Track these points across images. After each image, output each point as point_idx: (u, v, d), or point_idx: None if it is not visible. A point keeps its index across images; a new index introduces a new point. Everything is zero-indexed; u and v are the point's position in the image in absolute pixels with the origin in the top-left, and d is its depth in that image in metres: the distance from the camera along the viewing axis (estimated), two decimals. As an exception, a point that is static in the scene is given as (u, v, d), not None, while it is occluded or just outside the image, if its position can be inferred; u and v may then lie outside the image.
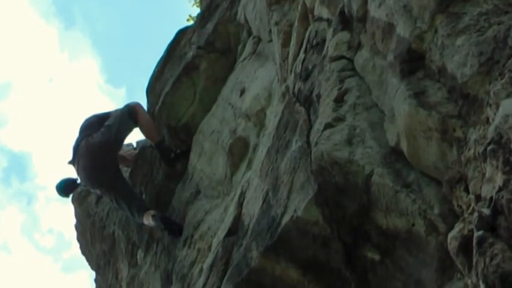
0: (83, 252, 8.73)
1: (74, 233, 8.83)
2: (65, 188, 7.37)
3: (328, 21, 4.00)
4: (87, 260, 8.61)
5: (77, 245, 8.80)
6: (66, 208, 39.68)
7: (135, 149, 7.87)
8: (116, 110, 7.04)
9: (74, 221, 8.76)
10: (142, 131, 6.93)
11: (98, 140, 6.69)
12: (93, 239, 8.18)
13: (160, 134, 6.90)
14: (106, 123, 6.83)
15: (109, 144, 6.75)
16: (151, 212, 6.39)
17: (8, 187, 40.30)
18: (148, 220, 6.39)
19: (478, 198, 2.16)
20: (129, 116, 6.83)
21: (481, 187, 2.15)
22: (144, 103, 7.34)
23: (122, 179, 6.90)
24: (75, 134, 6.96)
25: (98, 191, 7.12)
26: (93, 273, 8.58)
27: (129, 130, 6.94)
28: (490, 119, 2.17)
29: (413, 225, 2.66)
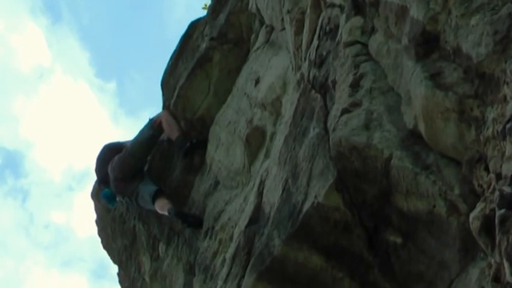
0: (105, 247, 8.78)
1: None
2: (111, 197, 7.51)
3: (341, 7, 3.99)
4: (109, 254, 8.65)
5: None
6: (63, 203, 39.81)
7: None
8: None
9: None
10: (166, 134, 7.18)
11: (125, 155, 7.22)
12: (114, 234, 8.23)
13: (179, 129, 6.96)
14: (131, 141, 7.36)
15: (134, 157, 7.21)
16: (168, 207, 6.49)
17: (3, 184, 40.61)
18: (162, 210, 6.59)
19: (499, 176, 2.16)
20: (150, 129, 7.18)
21: (501, 166, 2.15)
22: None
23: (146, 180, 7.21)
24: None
25: (126, 199, 7.37)
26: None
27: (154, 139, 7.28)
28: (508, 97, 2.16)
29: (434, 207, 2.66)
